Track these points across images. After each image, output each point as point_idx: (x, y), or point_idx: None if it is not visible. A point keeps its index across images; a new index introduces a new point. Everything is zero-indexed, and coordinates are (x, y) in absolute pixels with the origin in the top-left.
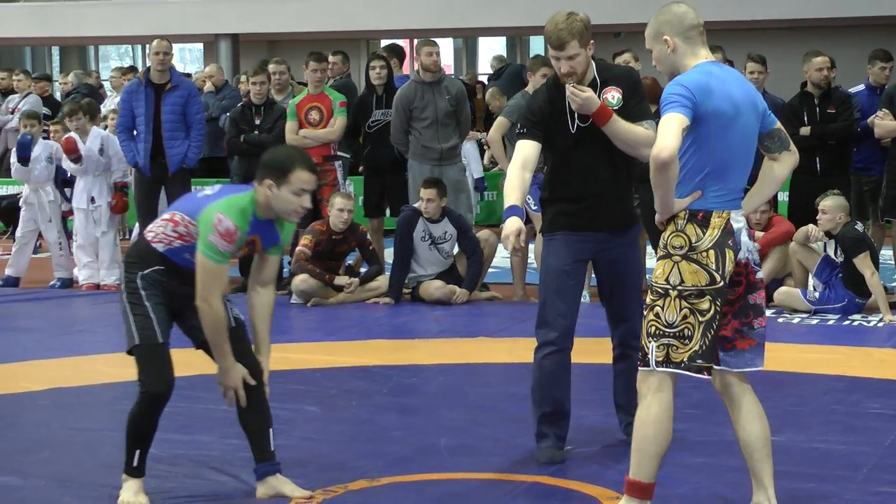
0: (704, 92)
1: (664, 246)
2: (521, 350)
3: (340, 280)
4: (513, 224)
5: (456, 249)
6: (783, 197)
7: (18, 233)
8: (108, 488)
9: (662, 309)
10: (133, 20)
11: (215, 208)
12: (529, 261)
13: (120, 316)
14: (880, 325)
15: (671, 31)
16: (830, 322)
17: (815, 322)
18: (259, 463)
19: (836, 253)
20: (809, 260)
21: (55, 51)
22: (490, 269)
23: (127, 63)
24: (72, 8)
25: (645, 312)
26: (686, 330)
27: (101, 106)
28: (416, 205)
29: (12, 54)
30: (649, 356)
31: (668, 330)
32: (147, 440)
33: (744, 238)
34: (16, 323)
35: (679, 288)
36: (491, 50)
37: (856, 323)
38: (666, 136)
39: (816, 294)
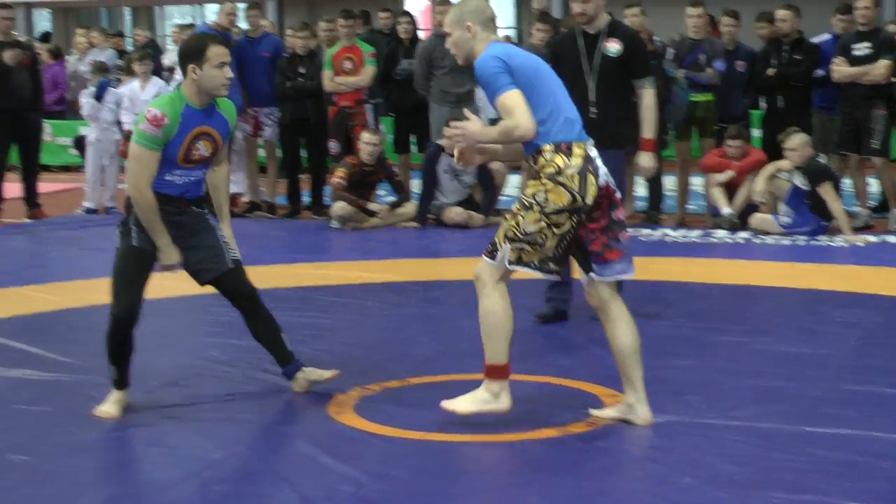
0: (509, 56)
1: (537, 172)
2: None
3: (372, 206)
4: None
5: (473, 181)
6: (757, 133)
7: (88, 170)
8: (169, 384)
9: (523, 219)
10: None
11: (146, 106)
12: None
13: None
14: (843, 244)
15: (474, 19)
16: (800, 243)
17: (786, 243)
18: (283, 366)
19: (803, 182)
20: (779, 189)
21: (127, 11)
22: (502, 197)
23: (188, 20)
24: None
25: (507, 217)
26: (539, 238)
27: (163, 58)
28: (439, 141)
29: (90, 15)
30: (499, 253)
31: (522, 237)
32: (125, 357)
33: (600, 164)
34: (97, 244)
35: (542, 204)
36: (501, 7)
37: (822, 243)
38: (521, 116)
39: (787, 219)
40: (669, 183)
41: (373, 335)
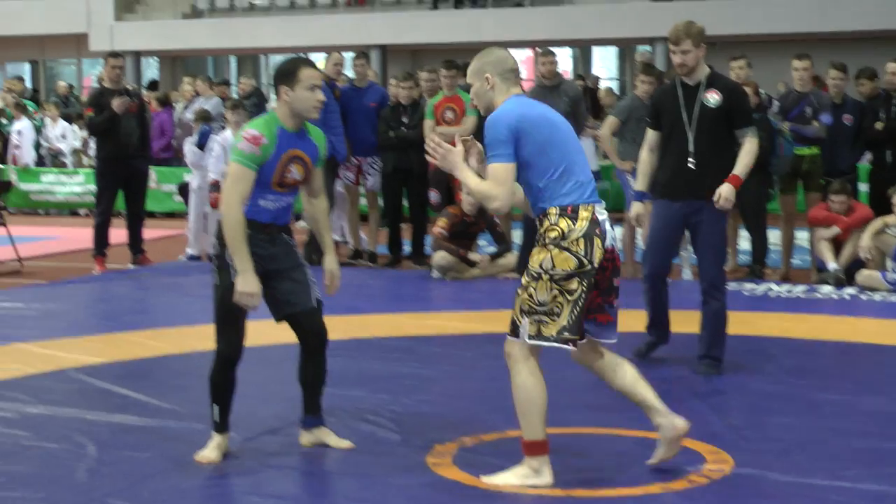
0: (523, 116)
1: (541, 237)
2: (631, 321)
3: (474, 256)
4: (633, 207)
5: None
6: (864, 187)
7: (191, 217)
8: (277, 434)
9: (535, 290)
10: (299, 33)
11: (243, 127)
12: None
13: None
14: None
15: (493, 71)
16: None
17: (894, 300)
18: (307, 414)
19: None
20: (887, 245)
21: (233, 60)
22: None
23: None
24: (247, 23)
25: (519, 292)
26: (555, 308)
27: (268, 106)
28: None
29: (197, 63)
30: (521, 329)
31: (539, 308)
32: (228, 397)
33: (608, 227)
34: (199, 291)
35: (551, 272)
36: (603, 59)
37: None
38: (503, 192)
39: (895, 275)
40: (774, 236)
41: (473, 386)
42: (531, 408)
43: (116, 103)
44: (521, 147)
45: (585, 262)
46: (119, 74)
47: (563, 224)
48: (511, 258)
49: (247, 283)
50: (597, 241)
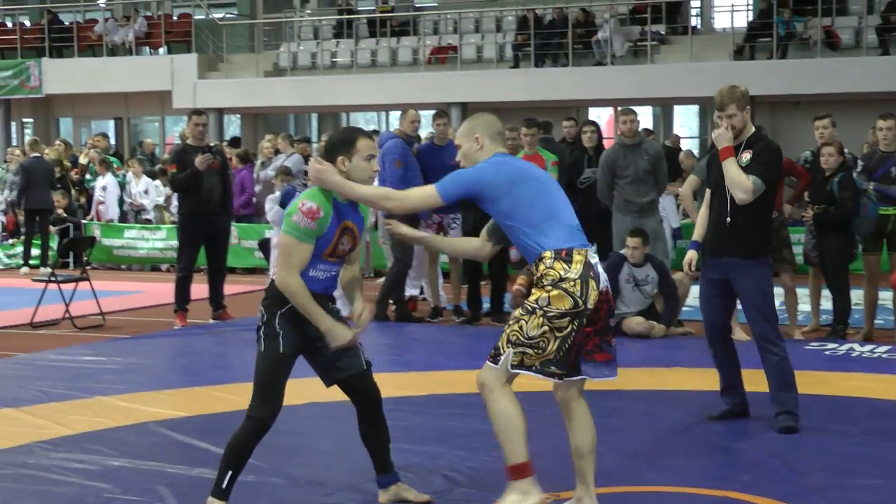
0: (496, 169)
1: (538, 279)
2: (711, 379)
3: None
4: (688, 255)
5: (655, 290)
6: None
7: (272, 273)
8: (354, 490)
9: (526, 323)
10: (380, 91)
11: (298, 199)
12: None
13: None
14: None
15: (483, 132)
16: None
17: None
18: (381, 475)
19: None
20: None
21: (314, 117)
22: (684, 308)
23: (371, 127)
24: (328, 81)
25: (511, 323)
26: (542, 342)
27: None
28: (621, 251)
29: (278, 120)
30: (503, 357)
31: (526, 341)
32: (242, 465)
33: (600, 270)
34: None
35: (545, 309)
36: (685, 117)
37: None
38: (398, 193)
39: None
40: (857, 296)
41: (551, 444)
42: (512, 432)
43: (199, 160)
44: (496, 200)
45: (580, 302)
46: (202, 132)
47: (559, 266)
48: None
49: (339, 336)
50: (592, 284)
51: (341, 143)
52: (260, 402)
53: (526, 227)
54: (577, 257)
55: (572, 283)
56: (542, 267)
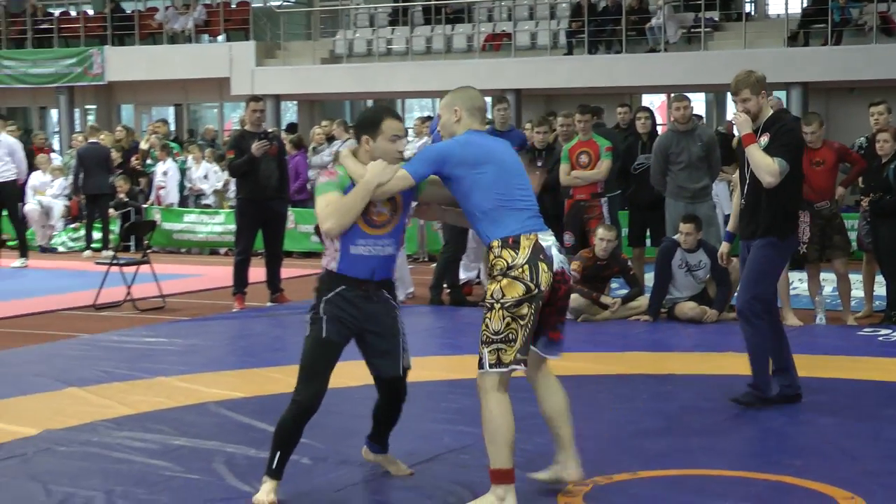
0: (464, 145)
1: (489, 271)
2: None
3: (605, 299)
4: (721, 247)
5: (707, 276)
6: None
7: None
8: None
9: (490, 320)
10: (435, 77)
11: None
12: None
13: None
14: None
15: (462, 106)
16: None
17: None
18: (374, 443)
19: None
20: None
21: (369, 103)
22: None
23: (426, 114)
24: (384, 68)
25: (481, 325)
26: (510, 334)
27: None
28: (674, 237)
29: (334, 107)
30: (483, 360)
31: (495, 337)
32: (291, 446)
33: (554, 252)
34: None
35: (501, 301)
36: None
37: None
38: (394, 183)
39: None
40: None
41: (604, 427)
42: (497, 437)
43: (255, 147)
44: (458, 178)
45: (532, 286)
46: (259, 118)
47: (507, 254)
48: (643, 301)
49: (380, 170)
50: (542, 266)
51: (367, 123)
52: (304, 385)
53: (478, 213)
54: (524, 243)
55: (520, 269)
56: (491, 257)
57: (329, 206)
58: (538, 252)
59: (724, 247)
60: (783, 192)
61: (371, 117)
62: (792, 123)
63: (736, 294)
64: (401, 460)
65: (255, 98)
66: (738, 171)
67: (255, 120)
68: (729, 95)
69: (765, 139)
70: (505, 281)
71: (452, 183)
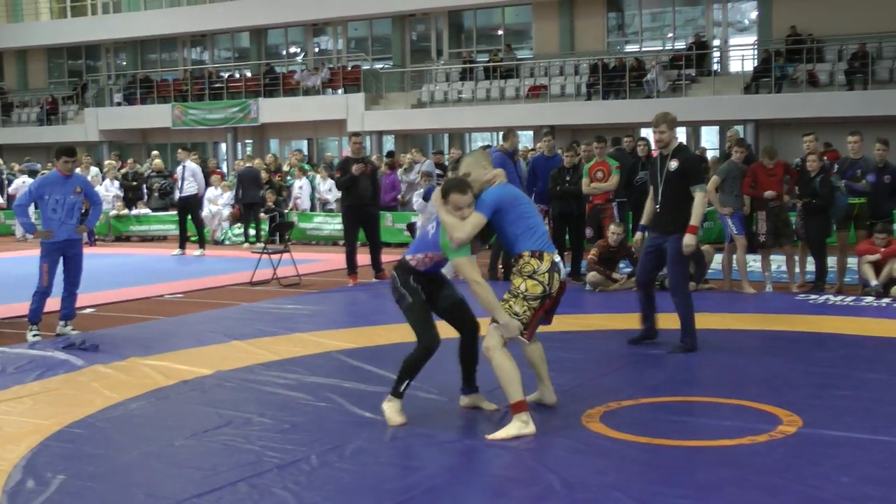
0: (500, 195)
1: (518, 271)
2: (734, 321)
3: (616, 275)
4: (636, 235)
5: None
6: None
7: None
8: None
9: (514, 304)
10: (491, 117)
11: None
12: (738, 264)
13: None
14: None
15: (487, 163)
16: None
17: None
18: (465, 387)
19: None
20: None
21: (445, 136)
22: (709, 270)
23: (486, 143)
24: (456, 111)
25: (503, 301)
26: (524, 317)
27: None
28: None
29: (421, 139)
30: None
31: (514, 315)
32: (414, 376)
33: (561, 266)
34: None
35: (524, 294)
36: (708, 135)
37: None
38: (465, 231)
39: None
40: (832, 262)
41: (615, 367)
42: (512, 379)
43: (355, 168)
44: (503, 213)
45: (547, 289)
46: (359, 149)
47: (534, 262)
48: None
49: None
50: (555, 276)
51: (444, 191)
52: (424, 335)
53: (516, 233)
54: (546, 257)
55: (542, 275)
56: (521, 262)
57: (469, 226)
58: (554, 265)
59: (637, 236)
60: (690, 202)
61: (445, 188)
62: (696, 155)
63: (668, 275)
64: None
65: (356, 134)
66: (653, 184)
67: (355, 150)
68: (703, 129)
69: (674, 164)
70: (531, 281)
71: (503, 214)
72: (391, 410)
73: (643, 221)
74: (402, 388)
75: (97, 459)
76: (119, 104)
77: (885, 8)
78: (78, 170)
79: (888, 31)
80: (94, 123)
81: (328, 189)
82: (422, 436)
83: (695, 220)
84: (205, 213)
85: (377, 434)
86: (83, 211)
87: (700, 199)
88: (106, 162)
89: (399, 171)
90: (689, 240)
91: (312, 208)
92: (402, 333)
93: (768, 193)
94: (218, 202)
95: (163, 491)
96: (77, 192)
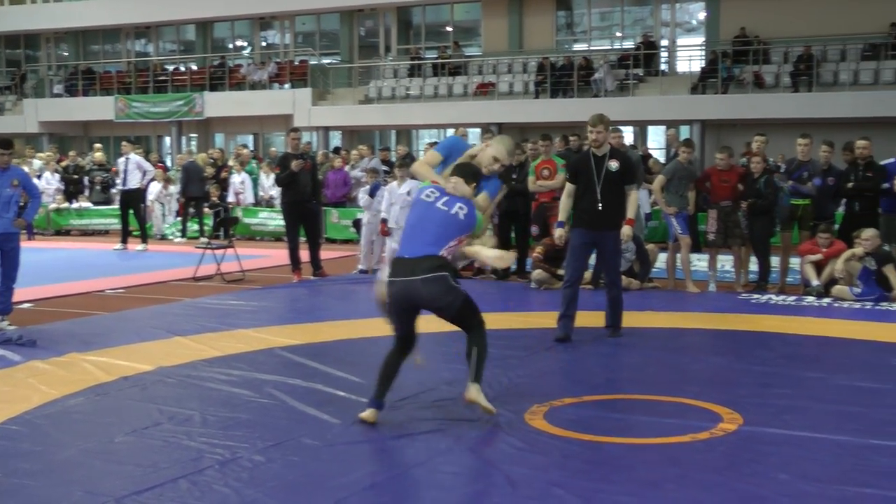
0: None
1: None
2: (677, 320)
3: (561, 273)
4: (557, 231)
5: (634, 257)
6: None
7: (362, 243)
8: (413, 397)
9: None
10: (440, 114)
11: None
12: (680, 265)
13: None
14: None
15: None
16: (868, 307)
17: (857, 307)
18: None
19: (872, 264)
20: (854, 269)
21: (393, 133)
22: (654, 269)
23: (434, 140)
24: (404, 107)
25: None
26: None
27: None
28: None
29: (368, 135)
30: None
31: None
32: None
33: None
34: (366, 295)
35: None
36: (655, 135)
37: (885, 308)
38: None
39: (859, 290)
40: (775, 262)
41: (559, 366)
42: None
43: (293, 164)
44: None
45: None
46: (297, 143)
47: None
48: (587, 275)
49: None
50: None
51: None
52: (480, 318)
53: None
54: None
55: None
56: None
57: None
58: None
59: (558, 231)
60: (623, 197)
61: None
62: (634, 156)
63: (605, 269)
64: (412, 389)
65: (294, 129)
66: (586, 185)
67: (294, 145)
68: (650, 128)
69: (615, 164)
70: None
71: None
72: (482, 395)
73: (561, 218)
74: (479, 374)
75: (34, 456)
76: (59, 95)
77: (830, 12)
78: (16, 161)
79: (833, 34)
80: (34, 115)
81: (271, 185)
82: (365, 433)
83: (630, 213)
84: (147, 206)
85: (320, 431)
86: (21, 204)
87: (635, 197)
88: (44, 154)
89: (347, 167)
90: (627, 230)
91: (255, 204)
92: (346, 330)
93: (725, 203)
94: (161, 196)
95: (102, 488)
96: (14, 184)
